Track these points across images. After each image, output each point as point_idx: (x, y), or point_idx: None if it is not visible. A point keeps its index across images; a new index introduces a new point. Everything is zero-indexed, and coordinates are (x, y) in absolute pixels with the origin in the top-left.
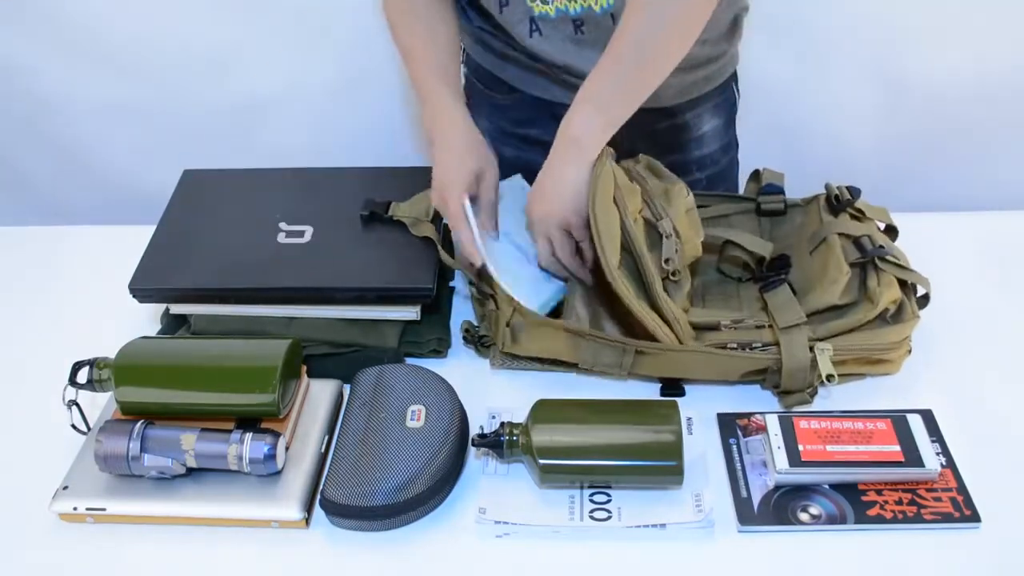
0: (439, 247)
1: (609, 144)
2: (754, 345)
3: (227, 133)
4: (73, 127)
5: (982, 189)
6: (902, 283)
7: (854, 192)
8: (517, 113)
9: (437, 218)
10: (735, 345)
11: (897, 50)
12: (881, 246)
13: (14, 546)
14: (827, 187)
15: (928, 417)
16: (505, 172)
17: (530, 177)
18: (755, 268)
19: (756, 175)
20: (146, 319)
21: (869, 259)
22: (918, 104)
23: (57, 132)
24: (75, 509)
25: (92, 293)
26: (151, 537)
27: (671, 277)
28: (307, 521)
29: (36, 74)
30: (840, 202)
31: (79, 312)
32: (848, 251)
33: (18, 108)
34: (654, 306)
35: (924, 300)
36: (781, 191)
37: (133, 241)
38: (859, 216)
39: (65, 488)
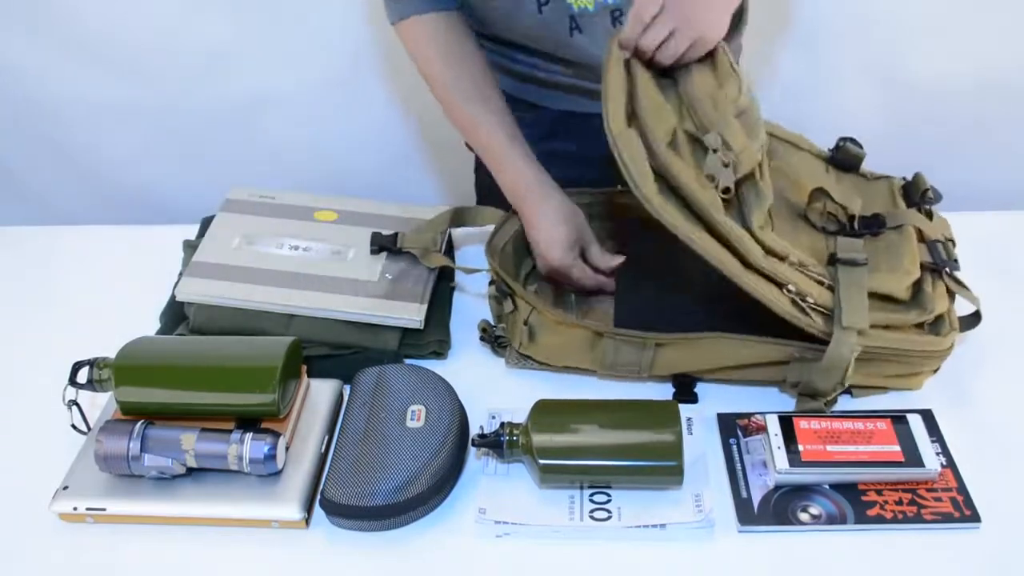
0: (452, 263)
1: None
2: (807, 299)
3: (226, 133)
4: (72, 128)
5: (983, 187)
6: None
7: (938, 195)
8: (539, 129)
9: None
10: (793, 289)
11: (898, 48)
12: (955, 260)
13: (14, 546)
14: (918, 177)
15: (928, 417)
16: None
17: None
18: (833, 224)
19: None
20: (146, 319)
21: (938, 268)
22: (918, 102)
23: (56, 133)
24: (75, 509)
25: (92, 293)
26: (151, 537)
27: (723, 195)
28: (307, 521)
29: (34, 75)
30: (923, 198)
31: (79, 312)
32: (920, 249)
33: (16, 109)
34: (712, 231)
35: (975, 319)
36: (859, 145)
37: (133, 241)
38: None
39: (65, 488)
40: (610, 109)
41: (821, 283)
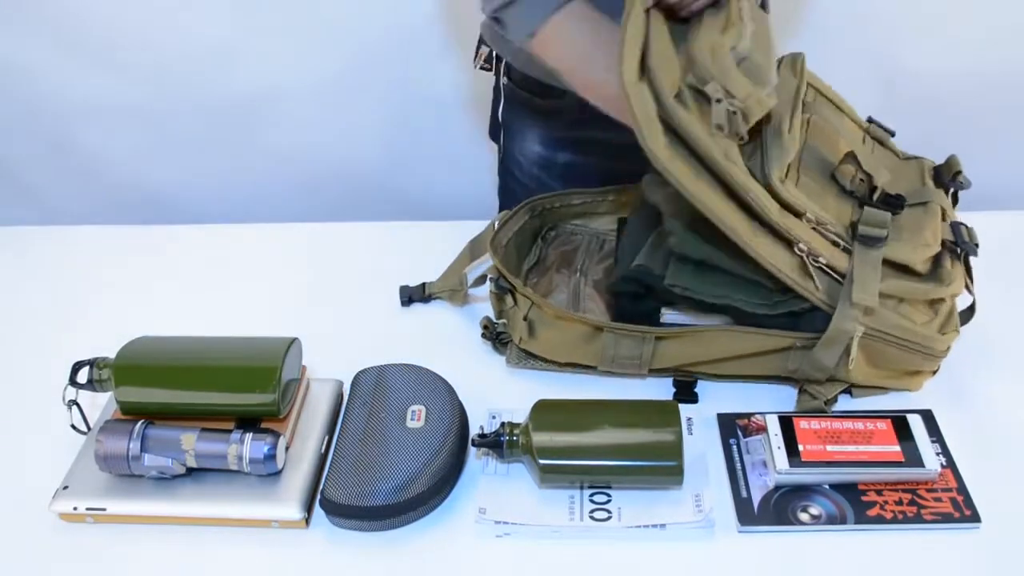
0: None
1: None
2: (820, 259)
3: (228, 133)
4: (73, 128)
5: (983, 187)
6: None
7: (967, 181)
8: (570, 115)
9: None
10: (804, 248)
11: (895, 47)
12: (976, 244)
13: (14, 546)
14: (952, 159)
15: (928, 417)
16: (562, 177)
17: (590, 179)
18: (863, 190)
19: None
20: (146, 319)
21: (959, 249)
22: (917, 102)
23: (57, 133)
24: (75, 509)
25: (92, 293)
26: (151, 537)
27: (741, 143)
28: (307, 521)
29: (35, 75)
30: (954, 181)
31: (79, 312)
32: (942, 228)
33: (17, 109)
34: (725, 185)
35: (970, 312)
36: (886, 127)
37: (133, 241)
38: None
39: (65, 488)
40: (625, 59)
41: (837, 244)
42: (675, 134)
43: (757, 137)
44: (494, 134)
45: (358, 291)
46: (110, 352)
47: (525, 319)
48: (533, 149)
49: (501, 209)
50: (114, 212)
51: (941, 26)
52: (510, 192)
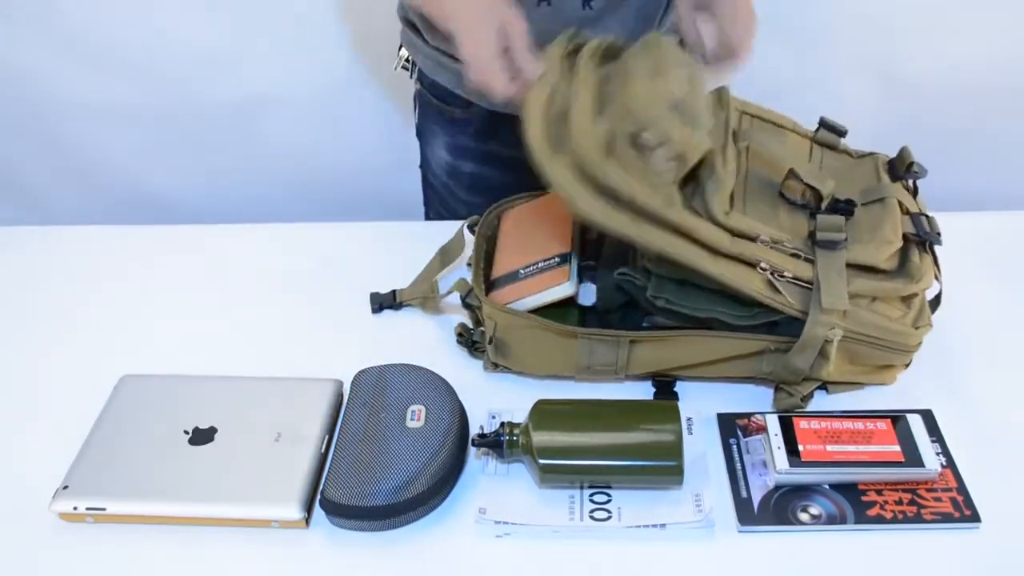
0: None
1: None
2: (784, 274)
3: (226, 134)
4: (72, 128)
5: (982, 187)
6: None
7: (923, 169)
8: (476, 126)
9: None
10: (766, 267)
11: (895, 47)
12: (938, 233)
13: (14, 546)
14: (904, 151)
15: (928, 417)
16: (469, 187)
17: (496, 191)
18: (812, 202)
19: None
20: (144, 319)
21: (922, 241)
22: (916, 102)
23: (56, 133)
24: (75, 509)
25: (91, 293)
26: (151, 537)
27: (682, 186)
28: (307, 521)
29: (34, 75)
30: (909, 172)
31: (78, 312)
32: (903, 221)
33: (16, 109)
34: (669, 224)
35: (936, 302)
36: (837, 127)
37: (132, 241)
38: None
39: (65, 488)
40: (531, 131)
41: (798, 256)
42: (611, 192)
43: (696, 176)
44: (418, 135)
45: (358, 291)
46: (103, 349)
47: (491, 341)
48: (441, 156)
49: (427, 213)
50: (114, 212)
51: (942, 25)
52: (427, 196)
